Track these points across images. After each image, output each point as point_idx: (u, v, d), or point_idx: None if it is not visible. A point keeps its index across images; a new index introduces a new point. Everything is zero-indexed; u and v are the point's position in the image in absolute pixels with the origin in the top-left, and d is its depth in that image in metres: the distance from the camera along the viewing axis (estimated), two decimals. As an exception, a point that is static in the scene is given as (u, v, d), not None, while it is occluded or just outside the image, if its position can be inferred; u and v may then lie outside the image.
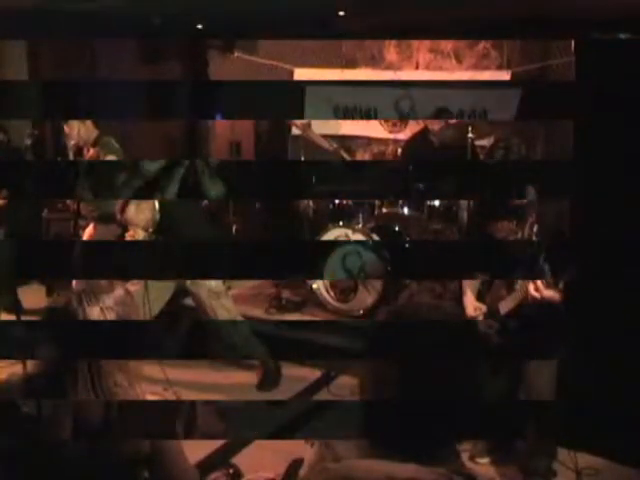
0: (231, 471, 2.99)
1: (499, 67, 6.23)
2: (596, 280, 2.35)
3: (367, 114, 6.72)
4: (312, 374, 4.30)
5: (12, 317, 4.53)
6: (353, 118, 6.74)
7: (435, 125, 6.00)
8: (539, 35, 5.75)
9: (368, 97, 6.72)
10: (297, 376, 4.24)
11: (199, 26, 6.38)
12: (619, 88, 1.76)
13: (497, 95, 6.04)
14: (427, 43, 6.56)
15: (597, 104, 1.87)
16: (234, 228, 6.18)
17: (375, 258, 4.89)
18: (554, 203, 3.41)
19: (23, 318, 4.37)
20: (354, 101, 6.77)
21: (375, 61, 6.83)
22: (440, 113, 5.91)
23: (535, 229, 3.10)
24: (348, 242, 4.96)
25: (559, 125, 5.13)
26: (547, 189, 3.32)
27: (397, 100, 6.59)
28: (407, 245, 5.05)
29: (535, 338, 2.95)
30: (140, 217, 3.87)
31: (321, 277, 5.01)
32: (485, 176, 4.09)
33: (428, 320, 1.24)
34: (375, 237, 4.98)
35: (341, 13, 5.62)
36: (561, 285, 2.82)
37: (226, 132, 7.04)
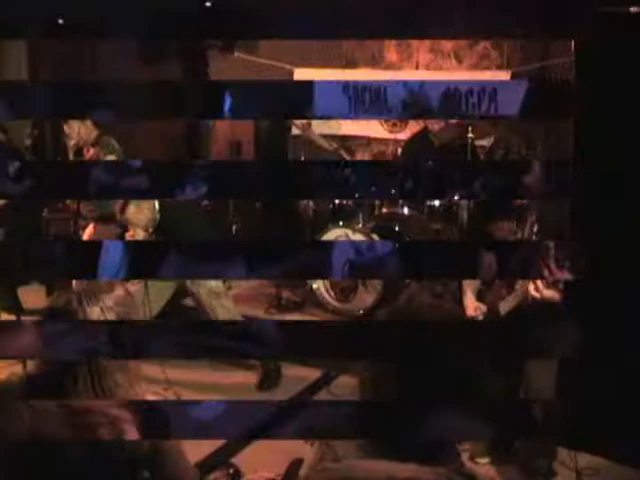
0: (231, 471, 2.99)
1: (499, 67, 6.23)
2: (596, 280, 2.35)
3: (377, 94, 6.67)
4: (312, 374, 4.30)
5: (12, 317, 4.55)
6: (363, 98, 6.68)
7: (435, 125, 6.00)
8: (539, 35, 5.73)
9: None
10: (297, 376, 4.25)
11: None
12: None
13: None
14: (427, 43, 6.56)
15: (598, 102, 1.88)
16: (234, 228, 6.19)
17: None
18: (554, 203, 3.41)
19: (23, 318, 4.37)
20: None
21: (375, 61, 6.84)
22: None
23: (535, 229, 3.10)
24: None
25: (559, 125, 5.13)
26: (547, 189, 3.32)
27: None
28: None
29: (535, 338, 2.94)
30: (140, 217, 3.88)
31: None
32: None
33: (428, 320, 1.24)
34: (375, 237, 4.98)
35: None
36: (561, 285, 2.82)
37: (226, 132, 7.04)
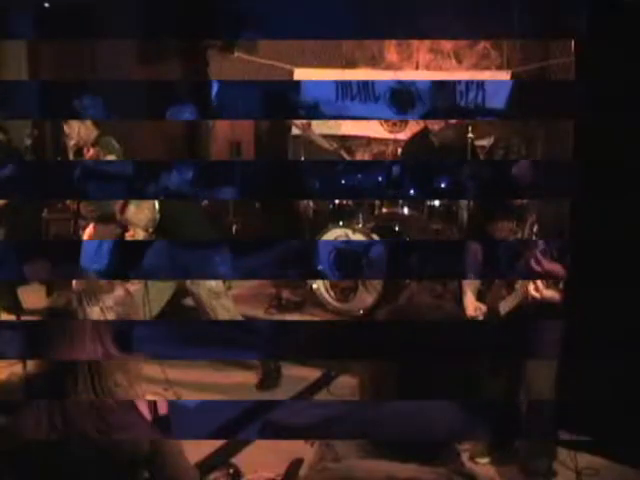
0: (231, 471, 3.00)
1: (499, 67, 6.23)
2: (596, 280, 2.35)
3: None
4: (312, 374, 4.30)
5: (12, 317, 4.55)
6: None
7: (435, 125, 6.00)
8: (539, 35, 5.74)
9: None
10: (297, 376, 4.25)
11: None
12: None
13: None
14: (427, 43, 6.55)
15: (599, 101, 1.87)
16: (234, 228, 6.19)
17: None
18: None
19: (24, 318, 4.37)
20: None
21: (375, 61, 6.84)
22: None
23: (535, 229, 3.10)
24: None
25: (559, 125, 5.12)
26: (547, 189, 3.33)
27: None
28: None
29: (535, 337, 2.95)
30: (140, 217, 3.88)
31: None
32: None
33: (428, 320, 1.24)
34: (375, 237, 4.98)
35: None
36: (561, 285, 2.82)
37: (226, 132, 7.04)
